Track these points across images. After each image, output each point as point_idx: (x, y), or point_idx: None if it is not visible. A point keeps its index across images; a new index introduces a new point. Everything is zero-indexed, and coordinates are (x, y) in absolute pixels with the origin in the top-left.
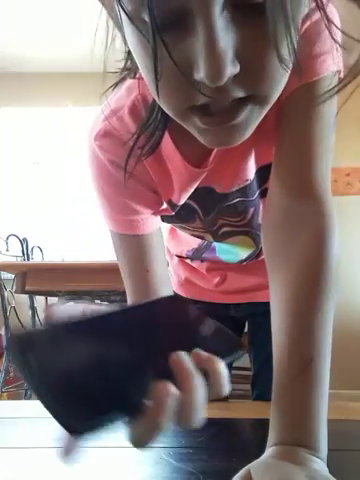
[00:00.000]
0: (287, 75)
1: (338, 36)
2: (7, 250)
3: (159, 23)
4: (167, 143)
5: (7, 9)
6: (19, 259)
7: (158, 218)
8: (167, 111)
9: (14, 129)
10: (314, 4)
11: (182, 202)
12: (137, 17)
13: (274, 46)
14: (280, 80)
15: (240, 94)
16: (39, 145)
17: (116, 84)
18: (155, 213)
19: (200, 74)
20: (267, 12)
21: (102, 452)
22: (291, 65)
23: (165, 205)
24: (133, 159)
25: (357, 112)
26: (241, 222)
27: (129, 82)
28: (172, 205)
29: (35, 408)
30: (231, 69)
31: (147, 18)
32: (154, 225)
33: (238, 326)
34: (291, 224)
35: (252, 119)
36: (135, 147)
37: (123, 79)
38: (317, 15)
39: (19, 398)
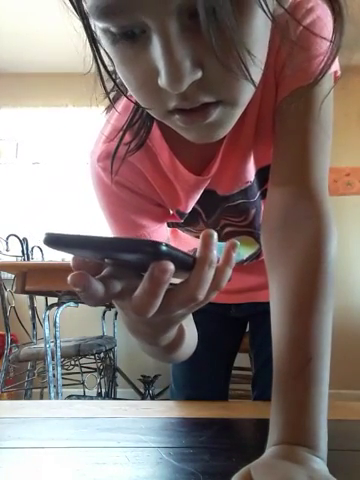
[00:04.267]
0: (257, 78)
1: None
2: (7, 250)
3: (120, 35)
4: (166, 155)
5: (7, 10)
6: (19, 259)
7: (165, 230)
8: (151, 114)
9: (14, 129)
10: (310, 5)
11: (190, 209)
12: (107, 30)
13: (215, 56)
14: (247, 83)
15: (207, 99)
16: (39, 145)
17: (109, 107)
18: (163, 223)
19: (163, 82)
20: (201, 23)
21: (102, 452)
22: (247, 72)
23: (172, 213)
24: (131, 171)
25: (357, 112)
26: (243, 222)
27: (124, 101)
28: (180, 214)
29: (35, 408)
30: (191, 76)
31: (112, 29)
32: (161, 237)
33: (239, 326)
34: (289, 225)
35: (225, 119)
36: (121, 143)
37: (116, 99)
38: (311, 17)
39: (19, 398)
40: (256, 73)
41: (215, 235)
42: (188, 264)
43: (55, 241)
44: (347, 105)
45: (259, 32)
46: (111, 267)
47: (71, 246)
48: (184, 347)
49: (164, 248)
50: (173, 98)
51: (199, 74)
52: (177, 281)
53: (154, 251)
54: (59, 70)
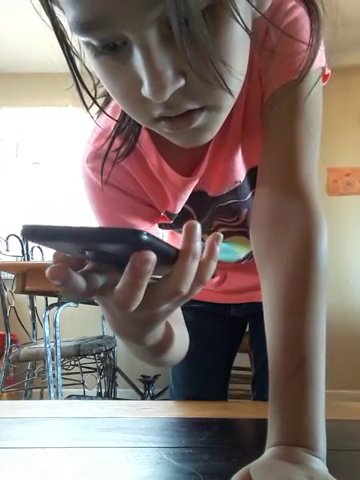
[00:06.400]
0: (239, 85)
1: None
2: (7, 250)
3: (102, 48)
4: (153, 156)
5: (7, 10)
6: (19, 259)
7: (155, 232)
8: (137, 122)
9: (14, 129)
10: (289, 6)
11: (178, 210)
12: (89, 43)
13: (190, 67)
14: (230, 89)
15: (190, 106)
16: (39, 145)
17: (99, 112)
18: (153, 223)
19: (146, 92)
20: (175, 36)
21: (102, 452)
22: (224, 82)
23: (162, 214)
24: (120, 172)
25: (357, 112)
26: (236, 222)
27: (114, 103)
28: (169, 214)
29: (35, 408)
30: (173, 85)
31: (94, 42)
32: None
33: (238, 326)
34: (277, 222)
35: (211, 123)
36: (110, 150)
37: (107, 103)
38: (291, 17)
39: (19, 398)
40: (234, 83)
41: (198, 226)
42: (171, 256)
43: (32, 233)
44: (347, 105)
45: (235, 43)
46: (93, 262)
47: (50, 238)
48: (174, 349)
49: (145, 237)
50: (158, 107)
51: (182, 82)
52: (160, 278)
53: (135, 240)
54: (59, 70)
